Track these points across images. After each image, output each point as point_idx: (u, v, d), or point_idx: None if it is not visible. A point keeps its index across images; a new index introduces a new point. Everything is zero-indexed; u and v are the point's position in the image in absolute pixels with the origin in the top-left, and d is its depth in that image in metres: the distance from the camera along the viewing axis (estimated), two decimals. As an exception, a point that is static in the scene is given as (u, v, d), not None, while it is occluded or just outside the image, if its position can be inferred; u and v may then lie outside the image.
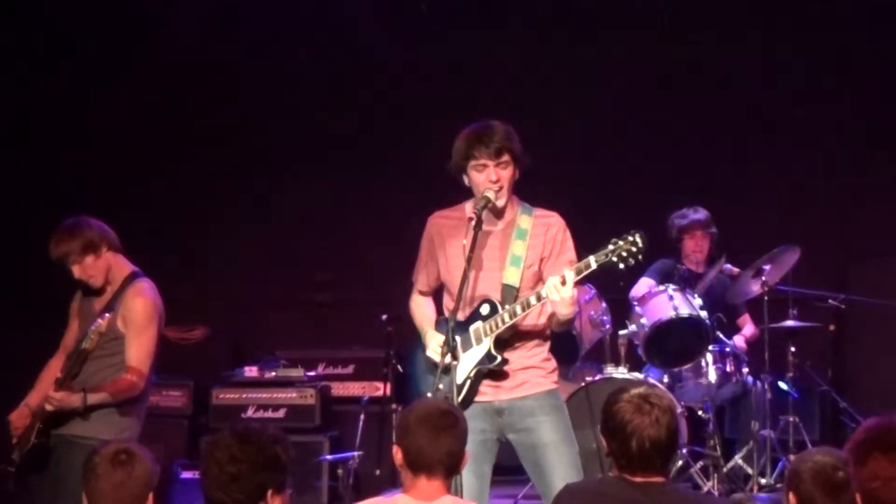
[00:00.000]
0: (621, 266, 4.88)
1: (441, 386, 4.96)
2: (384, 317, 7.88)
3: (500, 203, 5.11)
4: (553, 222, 5.20)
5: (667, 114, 8.66)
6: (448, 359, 4.91)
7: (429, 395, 4.89)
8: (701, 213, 8.03)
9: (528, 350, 5.17)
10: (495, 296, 5.10)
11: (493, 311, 5.09)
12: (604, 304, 7.71)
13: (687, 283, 7.85)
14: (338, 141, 9.06)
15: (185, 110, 9.03)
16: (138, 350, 5.62)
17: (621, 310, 7.86)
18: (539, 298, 4.95)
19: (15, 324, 8.46)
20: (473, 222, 5.04)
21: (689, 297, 7.66)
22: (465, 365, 5.09)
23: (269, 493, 3.64)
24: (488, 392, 5.11)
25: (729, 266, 7.95)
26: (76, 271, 5.67)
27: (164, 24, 8.91)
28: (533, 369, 5.14)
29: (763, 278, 7.63)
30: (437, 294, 5.39)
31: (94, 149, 8.97)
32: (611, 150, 8.68)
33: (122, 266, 5.77)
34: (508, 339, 5.12)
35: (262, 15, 9.08)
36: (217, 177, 9.11)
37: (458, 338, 5.03)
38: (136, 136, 9.01)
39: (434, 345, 5.10)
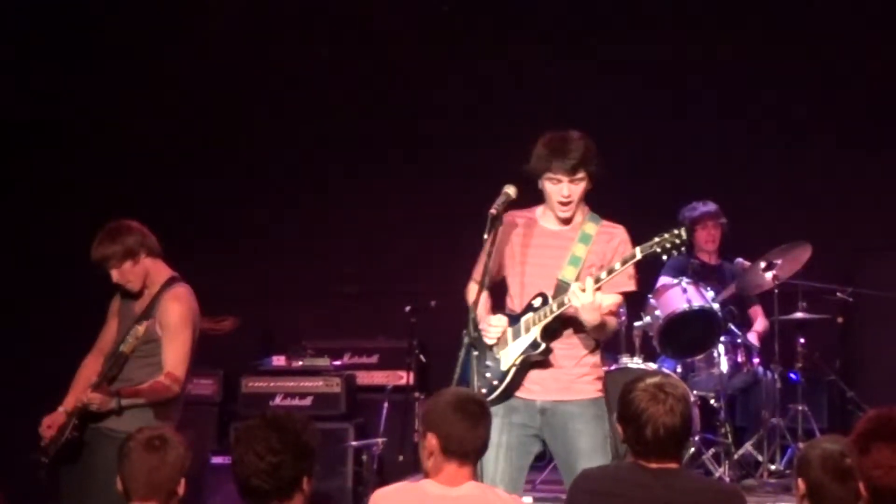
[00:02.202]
0: (664, 257, 4.99)
1: (488, 374, 5.10)
2: (408, 308, 8.03)
3: (567, 215, 5.20)
4: (617, 234, 5.25)
5: (677, 113, 8.71)
6: (469, 348, 4.97)
7: (476, 383, 4.95)
8: (710, 205, 8.12)
9: (578, 351, 5.24)
10: (549, 291, 5.17)
11: (545, 303, 5.16)
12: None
13: (700, 275, 7.95)
14: (364, 138, 9.10)
15: (220, 109, 9.07)
16: (174, 354, 5.69)
17: (636, 302, 7.80)
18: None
19: (49, 322, 8.59)
20: (493, 217, 5.08)
21: (703, 290, 7.74)
22: (512, 353, 5.18)
23: (305, 479, 3.74)
24: (534, 390, 5.18)
25: (740, 260, 8.06)
26: (114, 275, 5.75)
27: (195, 24, 8.97)
28: (581, 375, 5.21)
29: (774, 272, 7.71)
30: (499, 289, 5.39)
31: (130, 144, 9.04)
32: (623, 150, 8.47)
33: (160, 271, 5.84)
34: (558, 334, 5.18)
35: (288, 15, 9.11)
36: (248, 173, 9.18)
37: (510, 328, 5.18)
38: (172, 133, 9.04)
39: (484, 324, 5.13)
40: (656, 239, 4.99)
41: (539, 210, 5.32)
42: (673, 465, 4.00)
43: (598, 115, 8.61)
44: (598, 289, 5.01)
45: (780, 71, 8.77)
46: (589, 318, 5.04)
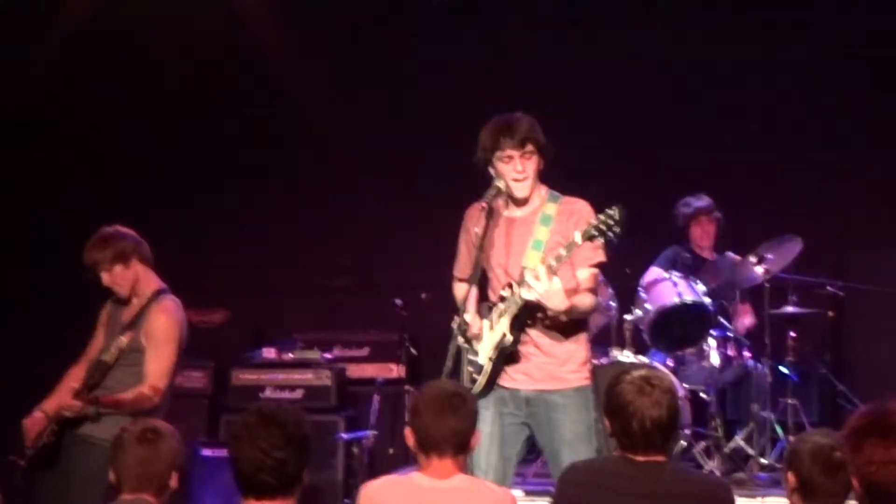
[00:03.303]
0: (602, 240, 4.94)
1: (470, 368, 5.12)
2: (398, 301, 8.04)
3: (523, 194, 5.24)
4: (577, 208, 5.27)
5: (671, 110, 8.73)
6: (460, 341, 5.05)
7: (464, 377, 5.01)
8: (704, 200, 8.14)
9: (562, 340, 5.22)
10: (516, 278, 5.17)
11: (513, 294, 5.16)
12: (610, 290, 7.76)
13: (691, 269, 7.95)
14: (354, 130, 9.12)
15: (214, 104, 9.10)
16: (157, 365, 5.74)
17: (627, 295, 7.92)
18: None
19: (36, 329, 8.64)
20: (485, 211, 5.18)
21: (693, 284, 7.74)
22: (487, 347, 5.19)
23: (305, 471, 3.77)
24: (519, 380, 5.20)
25: (731, 254, 8.04)
26: (104, 278, 5.83)
27: (187, 22, 8.93)
28: (565, 363, 5.22)
29: (765, 266, 7.70)
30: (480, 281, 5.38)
31: (125, 142, 9.08)
32: (616, 145, 8.72)
33: (150, 281, 5.91)
34: (530, 324, 5.18)
35: (282, 13, 9.13)
36: (239, 166, 9.17)
37: (486, 321, 5.21)
38: (166, 130, 9.07)
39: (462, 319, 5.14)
40: (593, 221, 4.96)
41: (500, 200, 5.32)
42: (660, 458, 4.00)
43: (596, 114, 8.73)
44: (555, 273, 5.00)
45: (774, 68, 8.79)
46: (553, 305, 5.02)
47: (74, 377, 5.88)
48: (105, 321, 6.01)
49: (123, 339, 5.71)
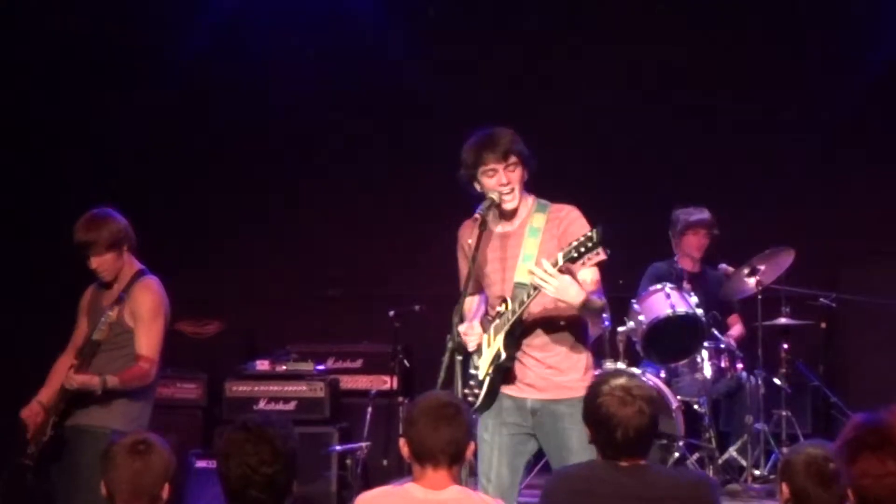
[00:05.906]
0: (582, 261, 4.86)
1: (472, 382, 5.14)
2: (392, 312, 8.05)
3: (512, 205, 5.22)
4: (563, 215, 5.26)
5: (661, 115, 8.74)
6: (453, 354, 5.02)
7: (460, 388, 5.01)
8: (706, 213, 8.09)
9: (566, 351, 5.22)
10: (509, 294, 5.18)
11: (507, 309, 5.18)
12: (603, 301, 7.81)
13: (680, 281, 7.93)
14: (349, 141, 9.16)
15: (203, 113, 9.12)
16: (148, 339, 5.74)
17: (620, 307, 7.86)
18: (528, 295, 5.00)
19: (21, 321, 8.62)
20: (478, 223, 5.17)
21: (686, 296, 7.73)
22: (485, 362, 5.21)
23: (294, 483, 3.80)
24: (525, 390, 5.21)
25: (724, 265, 8.06)
26: (94, 261, 5.77)
27: (182, 23, 9.00)
28: (570, 373, 5.22)
29: (757, 277, 7.73)
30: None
31: (118, 148, 9.09)
32: (606, 152, 8.75)
33: (131, 265, 5.89)
34: (525, 338, 5.19)
35: (271, 16, 9.16)
36: (232, 176, 9.20)
37: (485, 336, 5.22)
38: (159, 138, 9.10)
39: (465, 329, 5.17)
40: (574, 243, 4.89)
41: (490, 215, 5.28)
42: (642, 462, 4.06)
43: (578, 117, 8.74)
44: (561, 270, 4.96)
45: (767, 76, 8.80)
46: (570, 299, 4.96)
47: (64, 367, 5.85)
48: (86, 307, 5.97)
49: (112, 314, 5.70)
